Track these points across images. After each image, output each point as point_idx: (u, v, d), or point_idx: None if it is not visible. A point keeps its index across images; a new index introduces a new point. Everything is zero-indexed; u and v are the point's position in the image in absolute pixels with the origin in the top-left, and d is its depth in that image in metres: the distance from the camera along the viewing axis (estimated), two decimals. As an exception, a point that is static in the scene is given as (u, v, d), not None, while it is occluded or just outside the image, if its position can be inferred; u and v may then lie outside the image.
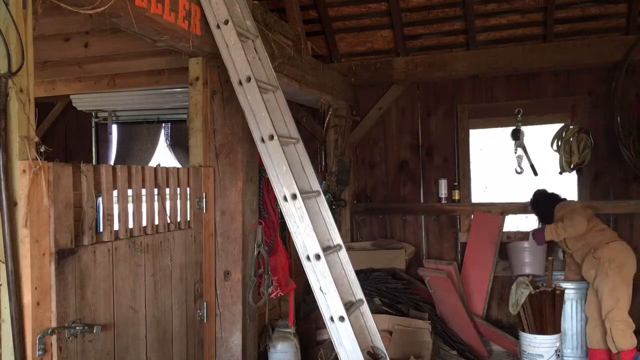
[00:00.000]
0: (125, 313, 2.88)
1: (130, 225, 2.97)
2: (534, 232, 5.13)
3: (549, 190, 5.30)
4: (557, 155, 5.41)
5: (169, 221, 3.31)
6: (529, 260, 5.27)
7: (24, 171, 2.23)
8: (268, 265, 3.91)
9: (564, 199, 5.18)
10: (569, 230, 4.80)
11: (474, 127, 5.95)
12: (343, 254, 3.36)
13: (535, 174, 5.60)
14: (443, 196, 5.92)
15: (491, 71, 5.76)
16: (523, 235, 5.43)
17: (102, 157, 6.55)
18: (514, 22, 5.55)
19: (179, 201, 3.43)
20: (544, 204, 5.23)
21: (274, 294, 4.11)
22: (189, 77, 3.68)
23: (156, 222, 3.20)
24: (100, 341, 2.69)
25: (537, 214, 5.38)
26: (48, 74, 4.57)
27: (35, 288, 2.29)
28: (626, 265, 4.65)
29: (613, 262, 4.62)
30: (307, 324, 4.92)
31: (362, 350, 2.97)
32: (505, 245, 5.54)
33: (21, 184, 2.23)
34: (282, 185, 3.13)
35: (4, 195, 2.18)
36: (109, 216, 2.80)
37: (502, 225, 5.63)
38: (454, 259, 5.91)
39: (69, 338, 2.46)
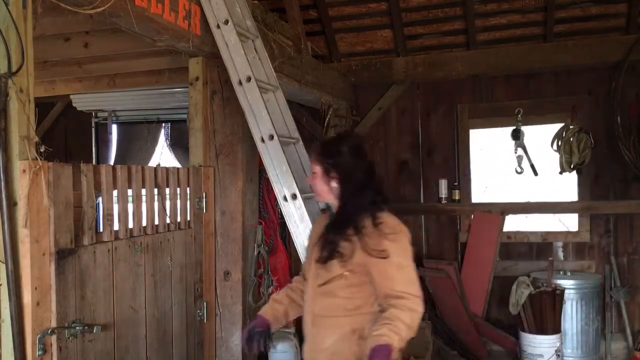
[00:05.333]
0: (125, 313, 2.88)
1: (130, 225, 2.98)
2: None
3: None
4: (557, 155, 5.41)
5: (168, 221, 3.31)
6: None
7: (24, 171, 2.23)
8: (268, 265, 3.91)
9: None
10: None
11: (474, 127, 5.94)
12: (343, 254, 3.35)
13: (536, 174, 5.59)
14: (443, 196, 5.91)
15: (491, 71, 5.75)
16: (523, 236, 5.38)
17: (102, 157, 6.54)
18: (514, 22, 5.55)
19: (179, 201, 3.43)
20: None
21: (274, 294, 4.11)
22: (189, 77, 3.68)
23: (156, 222, 3.20)
24: (100, 341, 2.69)
25: None
26: (48, 74, 4.56)
27: (35, 288, 2.28)
28: None
29: None
30: (307, 324, 4.91)
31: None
32: None
33: (21, 184, 2.23)
34: (282, 185, 3.13)
35: (4, 195, 2.18)
36: (109, 216, 2.80)
37: (502, 225, 5.63)
38: (454, 259, 5.90)
39: (68, 338, 2.46)
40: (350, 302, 2.33)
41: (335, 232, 2.35)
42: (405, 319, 2.20)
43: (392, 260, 2.27)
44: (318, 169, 2.45)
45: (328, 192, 2.43)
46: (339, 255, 2.30)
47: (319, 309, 2.39)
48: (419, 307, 2.26)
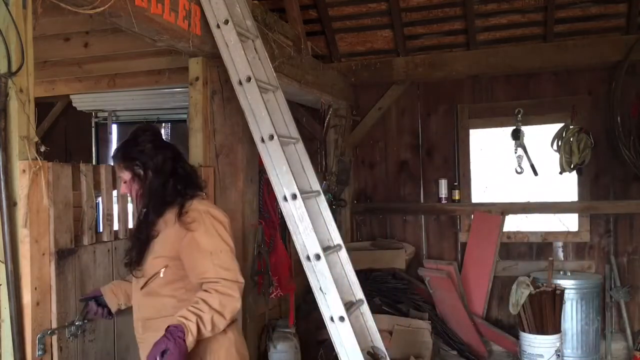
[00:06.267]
0: (125, 313, 2.88)
1: (130, 225, 2.97)
2: None
3: None
4: (557, 155, 5.41)
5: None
6: None
7: (24, 171, 2.23)
8: (268, 265, 3.91)
9: None
10: None
11: (474, 127, 5.95)
12: (343, 254, 3.35)
13: (536, 174, 5.60)
14: (443, 196, 5.92)
15: (491, 71, 5.76)
16: (523, 236, 5.40)
17: (102, 157, 6.55)
18: (514, 22, 5.55)
19: (179, 201, 3.42)
20: None
21: (274, 294, 4.11)
22: (189, 77, 3.68)
23: (156, 222, 3.20)
24: (100, 341, 2.69)
25: None
26: (48, 74, 4.56)
27: (35, 288, 2.28)
28: None
29: None
30: (307, 324, 4.92)
31: (362, 350, 2.97)
32: None
33: (21, 184, 2.23)
34: (282, 185, 3.12)
35: (3, 195, 2.18)
36: (108, 216, 2.80)
37: (502, 225, 5.63)
38: (454, 259, 5.91)
39: (69, 338, 2.46)
40: (176, 299, 2.26)
41: (141, 232, 2.32)
42: (212, 302, 2.10)
43: (201, 248, 2.20)
44: (126, 174, 2.36)
45: (143, 195, 2.35)
46: (148, 255, 2.28)
47: (147, 312, 2.32)
48: (232, 291, 2.15)
